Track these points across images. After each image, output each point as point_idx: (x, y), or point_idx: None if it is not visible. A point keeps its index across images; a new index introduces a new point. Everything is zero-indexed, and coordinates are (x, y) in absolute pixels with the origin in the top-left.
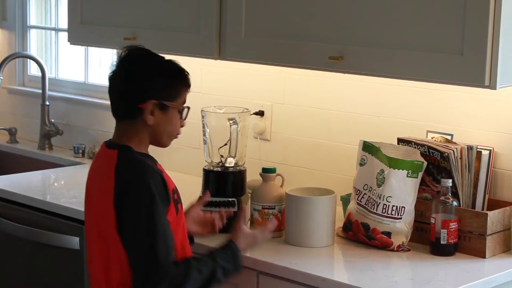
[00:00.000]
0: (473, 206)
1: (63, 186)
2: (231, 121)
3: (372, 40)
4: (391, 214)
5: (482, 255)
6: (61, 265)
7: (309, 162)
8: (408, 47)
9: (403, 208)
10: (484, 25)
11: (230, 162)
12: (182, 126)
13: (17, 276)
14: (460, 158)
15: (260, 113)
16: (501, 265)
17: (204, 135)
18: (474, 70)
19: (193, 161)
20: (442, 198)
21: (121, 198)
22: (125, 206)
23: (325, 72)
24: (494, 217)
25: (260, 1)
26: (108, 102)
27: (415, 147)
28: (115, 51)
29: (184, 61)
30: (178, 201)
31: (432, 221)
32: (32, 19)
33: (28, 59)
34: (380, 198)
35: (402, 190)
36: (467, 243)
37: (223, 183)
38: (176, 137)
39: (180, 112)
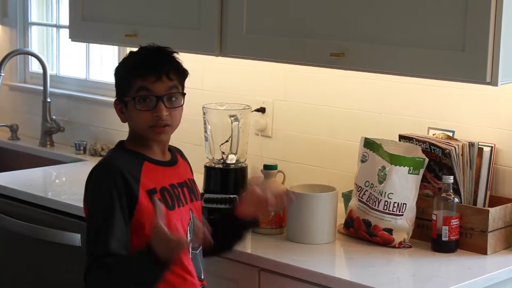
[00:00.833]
0: (475, 203)
1: (65, 183)
2: (232, 118)
3: (373, 37)
4: (393, 211)
5: (484, 252)
6: (63, 262)
7: (311, 159)
8: (410, 43)
9: (404, 205)
10: (486, 21)
11: (232, 159)
12: (157, 115)
13: (18, 272)
14: (462, 155)
15: (262, 110)
16: (503, 261)
17: (206, 132)
18: (475, 67)
19: (195, 158)
20: (444, 194)
21: None
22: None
23: (326, 68)
24: (495, 213)
25: None
26: (109, 99)
27: (416, 144)
28: (116, 48)
29: (185, 58)
30: (160, 202)
31: (434, 217)
32: (33, 16)
33: (30, 56)
34: (381, 195)
35: (404, 186)
36: (469, 240)
37: (225, 180)
38: (158, 129)
39: (134, 102)
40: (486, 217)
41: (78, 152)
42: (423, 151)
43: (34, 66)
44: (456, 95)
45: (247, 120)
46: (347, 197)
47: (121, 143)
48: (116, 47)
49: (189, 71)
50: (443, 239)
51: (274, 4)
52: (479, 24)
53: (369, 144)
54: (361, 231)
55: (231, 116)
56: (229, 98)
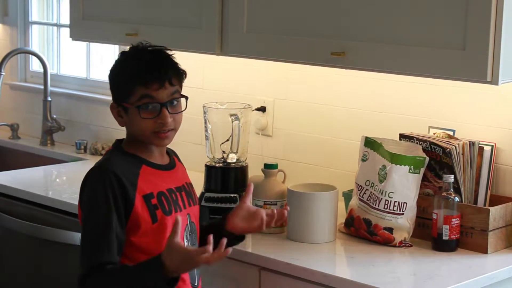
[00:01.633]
0: (475, 202)
1: (65, 182)
2: (233, 117)
3: (374, 36)
4: (393, 210)
5: (484, 251)
6: (63, 261)
7: (311, 158)
8: (410, 42)
9: (405, 204)
10: (486, 20)
11: (232, 158)
12: (162, 122)
13: (18, 271)
14: (462, 154)
15: (262, 109)
16: (503, 260)
17: (206, 131)
18: (476, 66)
19: (195, 157)
20: (444, 194)
21: None
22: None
23: (327, 68)
24: (496, 212)
25: None
26: (110, 98)
27: (417, 143)
28: (117, 47)
29: (186, 57)
30: (157, 207)
31: (434, 217)
32: (34, 15)
33: (30, 55)
34: (382, 194)
35: (404, 186)
36: (469, 239)
37: (225, 179)
38: (162, 135)
39: (138, 110)
40: (486, 216)
41: (78, 151)
42: (424, 150)
43: (35, 65)
44: (457, 94)
45: (248, 119)
46: (347, 196)
47: (118, 144)
48: (116, 46)
49: (189, 70)
50: (444, 238)
51: (275, 3)
52: (479, 23)
53: (370, 143)
54: (362, 230)
55: (231, 115)
56: (229, 97)
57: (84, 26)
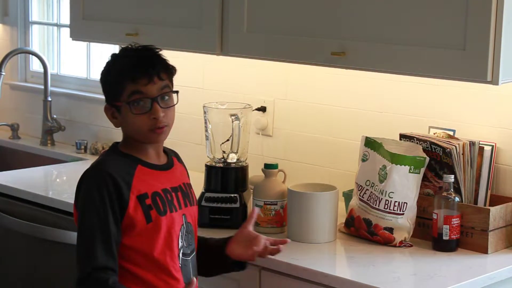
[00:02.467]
0: (475, 202)
1: (65, 182)
2: (233, 117)
3: (374, 36)
4: (393, 210)
5: (484, 251)
6: (63, 261)
7: (311, 158)
8: (410, 42)
9: (405, 204)
10: (487, 20)
11: (232, 158)
12: (154, 117)
13: (19, 271)
14: (462, 154)
15: (262, 109)
16: (504, 260)
17: (206, 131)
18: (476, 66)
19: (195, 157)
20: (444, 193)
21: None
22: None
23: (327, 67)
24: (496, 212)
25: None
26: None
27: (417, 143)
28: (117, 46)
29: (186, 57)
30: (151, 207)
31: (434, 216)
32: (34, 15)
33: (30, 55)
34: (382, 194)
35: (404, 185)
36: (469, 239)
37: (225, 179)
38: (156, 131)
39: (129, 107)
40: (486, 216)
41: (78, 151)
42: (424, 150)
43: (35, 65)
44: (457, 94)
45: (248, 119)
46: (347, 196)
47: (115, 146)
48: (117, 46)
49: (189, 70)
50: (444, 238)
51: (275, 3)
52: (479, 23)
53: (370, 143)
54: (362, 230)
55: (231, 115)
56: (230, 97)
57: (84, 26)
